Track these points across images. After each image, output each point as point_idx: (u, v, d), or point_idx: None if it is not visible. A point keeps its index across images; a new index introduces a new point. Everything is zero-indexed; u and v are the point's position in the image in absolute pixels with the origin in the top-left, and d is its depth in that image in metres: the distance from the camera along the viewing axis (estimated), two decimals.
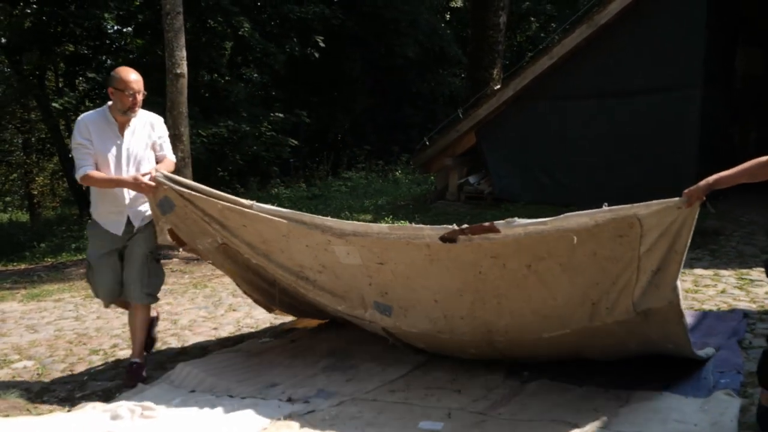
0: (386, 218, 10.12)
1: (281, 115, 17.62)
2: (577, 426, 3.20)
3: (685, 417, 3.24)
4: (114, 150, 4.16)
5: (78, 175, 4.11)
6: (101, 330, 5.71)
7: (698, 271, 6.52)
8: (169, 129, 9.86)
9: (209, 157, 15.67)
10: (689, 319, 4.18)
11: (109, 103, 4.18)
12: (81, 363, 4.82)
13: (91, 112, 4.28)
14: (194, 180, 10.17)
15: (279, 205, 12.53)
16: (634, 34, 9.34)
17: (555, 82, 10.00)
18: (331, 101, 21.13)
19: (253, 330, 5.46)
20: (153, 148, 4.34)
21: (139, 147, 4.25)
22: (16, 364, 4.86)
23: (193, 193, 4.14)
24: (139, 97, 4.11)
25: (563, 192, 9.92)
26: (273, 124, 17.39)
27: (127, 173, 4.16)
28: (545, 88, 10.09)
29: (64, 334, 5.61)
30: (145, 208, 4.28)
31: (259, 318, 5.82)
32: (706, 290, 5.84)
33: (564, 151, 9.95)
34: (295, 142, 17.99)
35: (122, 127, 4.19)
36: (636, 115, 9.34)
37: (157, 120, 4.38)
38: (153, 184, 4.07)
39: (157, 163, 4.33)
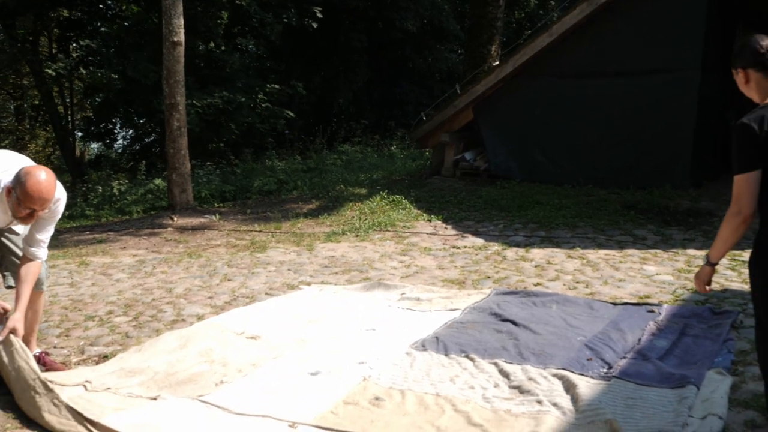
0: (381, 192, 10.14)
1: (277, 86, 17.52)
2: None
3: None
4: None
5: None
6: (96, 296, 5.74)
7: (691, 251, 6.60)
8: (165, 98, 10.00)
9: (204, 128, 15.61)
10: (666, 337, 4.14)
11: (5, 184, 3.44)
12: (77, 328, 4.85)
13: None
14: (189, 150, 10.24)
15: (272, 178, 12.52)
16: (634, 14, 9.31)
17: (553, 60, 9.99)
18: (328, 74, 21.00)
19: (248, 300, 5.49)
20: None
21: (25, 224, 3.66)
22: None
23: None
24: (38, 215, 3.44)
25: (558, 171, 9.97)
26: (268, 96, 17.30)
27: None
28: (543, 66, 10.08)
29: (59, 300, 5.63)
30: None
31: (254, 288, 5.87)
32: None
33: (560, 129, 9.97)
34: (291, 114, 17.92)
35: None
36: (633, 95, 9.34)
37: (59, 197, 3.59)
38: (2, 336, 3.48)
39: (27, 242, 3.68)
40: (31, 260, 3.64)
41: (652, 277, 5.79)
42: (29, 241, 3.66)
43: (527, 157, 10.32)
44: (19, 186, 3.31)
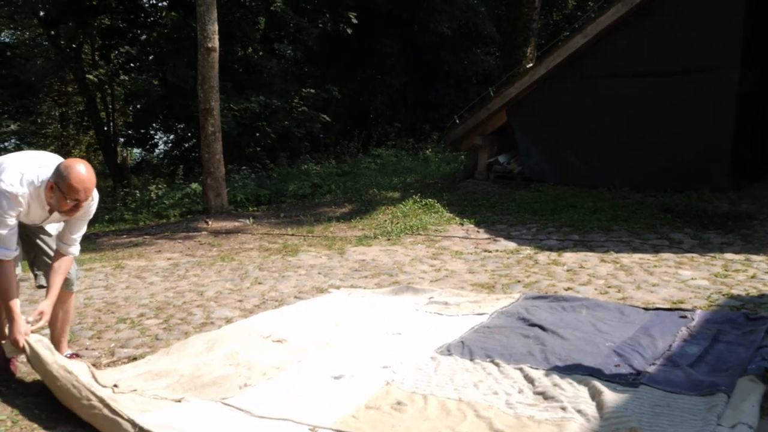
0: (414, 196, 10.13)
1: (313, 90, 17.65)
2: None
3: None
4: (32, 220, 3.68)
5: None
6: (129, 299, 5.84)
7: (729, 255, 6.44)
8: (200, 103, 10.14)
9: (240, 131, 15.79)
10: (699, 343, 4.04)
11: (45, 180, 3.51)
12: (108, 330, 4.94)
13: (26, 183, 3.49)
14: (224, 155, 10.36)
15: (307, 182, 12.61)
16: (670, 13, 9.14)
17: (588, 62, 9.86)
18: (363, 78, 21.08)
19: (277, 303, 5.52)
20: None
21: (59, 219, 3.76)
22: (47, 329, 4.98)
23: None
24: (83, 205, 3.54)
25: (592, 173, 9.84)
26: (304, 100, 17.43)
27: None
28: (578, 68, 9.96)
29: (94, 303, 5.74)
30: None
31: (284, 291, 5.90)
32: (736, 275, 5.77)
33: (595, 131, 9.84)
34: (327, 118, 18.03)
35: (52, 210, 3.63)
36: (670, 96, 9.17)
37: (92, 197, 3.66)
38: (21, 347, 3.53)
39: (60, 238, 3.78)
40: (64, 255, 3.75)
41: (686, 282, 5.67)
42: (63, 238, 3.76)
43: (561, 159, 10.20)
44: (61, 180, 3.39)
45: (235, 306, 5.49)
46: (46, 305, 3.63)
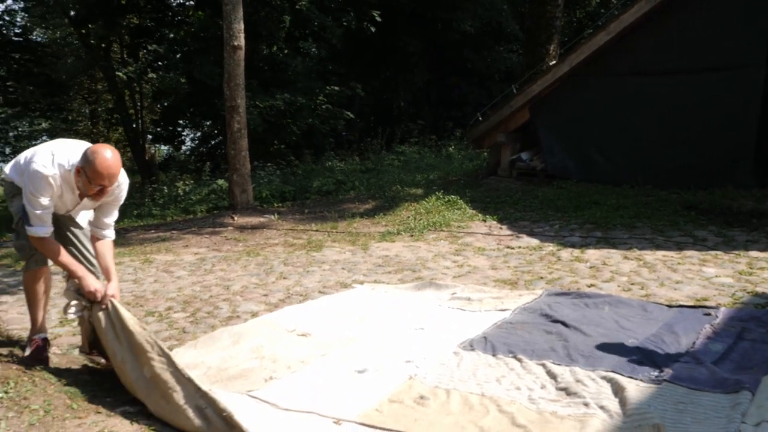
0: (437, 193, 10.16)
1: (337, 88, 17.72)
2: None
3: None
4: (66, 206, 3.76)
5: (34, 233, 3.56)
6: (157, 293, 5.95)
7: (753, 253, 6.40)
8: (226, 100, 10.26)
9: (266, 128, 15.91)
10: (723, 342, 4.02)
11: (75, 164, 3.56)
12: None
13: (57, 166, 3.54)
14: (249, 151, 10.46)
15: (331, 178, 12.68)
16: (694, 10, 9.08)
17: (612, 59, 9.82)
18: (387, 76, 21.11)
19: (301, 298, 5.59)
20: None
21: (92, 205, 3.82)
22: (76, 322, 5.10)
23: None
24: (108, 190, 3.58)
25: (616, 171, 9.80)
26: (329, 97, 17.51)
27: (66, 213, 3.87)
28: (601, 65, 9.92)
29: (123, 296, 5.84)
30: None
31: (308, 286, 5.97)
32: (761, 273, 5.73)
33: (618, 129, 9.79)
34: (351, 115, 18.09)
35: (82, 194, 3.68)
36: (694, 93, 9.11)
37: (122, 181, 3.72)
38: (105, 303, 3.61)
39: (94, 224, 3.85)
40: (101, 239, 3.81)
41: (710, 279, 5.64)
42: (97, 223, 3.83)
43: (584, 156, 10.17)
44: (87, 165, 3.45)
45: (260, 300, 5.58)
46: (114, 288, 3.67)
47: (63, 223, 3.84)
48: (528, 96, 10.53)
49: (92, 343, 3.89)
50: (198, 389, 3.20)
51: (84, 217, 3.96)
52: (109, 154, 3.49)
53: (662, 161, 9.37)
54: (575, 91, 10.22)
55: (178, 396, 3.21)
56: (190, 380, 3.25)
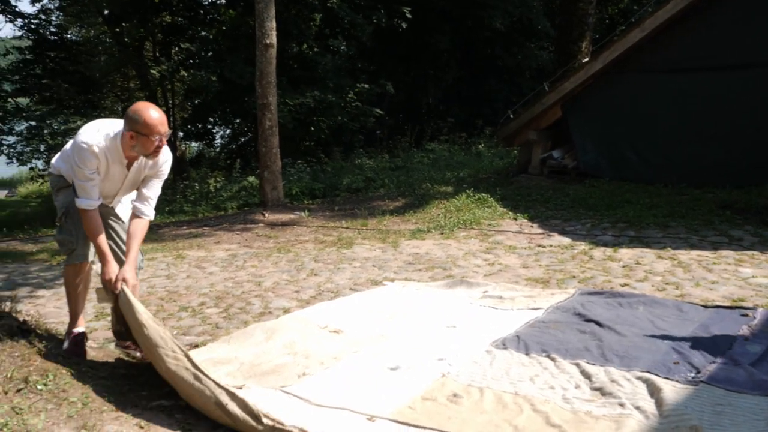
0: (467, 190, 10.12)
1: (367, 86, 17.75)
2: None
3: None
4: (113, 182, 3.77)
5: (81, 204, 3.60)
6: (190, 288, 6.01)
7: None
8: (257, 98, 10.32)
9: (296, 126, 15.99)
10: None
11: (121, 131, 3.60)
12: (171, 318, 5.10)
13: (102, 135, 3.59)
14: (281, 148, 10.52)
15: (360, 176, 12.71)
16: (730, 7, 8.93)
17: (646, 56, 9.70)
18: (417, 73, 21.08)
19: (333, 294, 5.61)
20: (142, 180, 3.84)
21: (136, 181, 3.83)
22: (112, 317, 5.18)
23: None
24: (165, 140, 3.61)
25: (649, 169, 9.69)
26: (358, 95, 17.54)
27: (114, 198, 3.92)
28: (635, 62, 9.81)
29: (156, 291, 5.93)
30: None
31: (339, 283, 5.99)
32: None
33: (652, 126, 9.67)
34: (380, 113, 18.11)
35: (130, 163, 3.72)
36: (729, 90, 8.98)
37: (165, 157, 3.80)
38: (117, 288, 3.60)
39: (135, 199, 3.85)
40: (139, 217, 3.80)
41: (747, 280, 5.55)
42: (138, 198, 3.84)
43: (617, 154, 10.06)
44: (137, 123, 3.48)
45: (292, 297, 5.61)
46: (127, 270, 3.65)
47: (103, 215, 3.88)
48: (560, 93, 10.45)
49: (121, 332, 3.89)
50: (218, 385, 3.18)
51: (125, 209, 3.99)
52: (149, 106, 3.55)
53: (697, 159, 9.24)
54: (608, 89, 10.12)
55: (198, 393, 3.19)
56: (207, 377, 3.22)
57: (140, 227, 3.80)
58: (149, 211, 3.83)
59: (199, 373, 3.22)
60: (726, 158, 9.02)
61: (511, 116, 11.38)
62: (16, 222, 13.84)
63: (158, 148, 3.58)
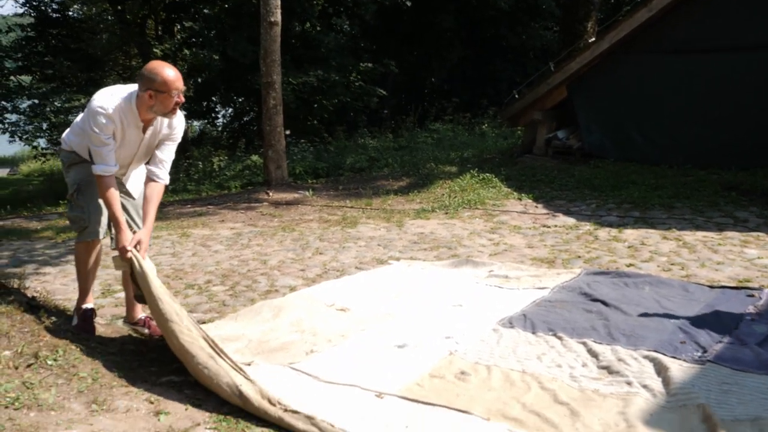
0: (472, 170, 10.10)
1: (370, 65, 17.65)
2: None
3: None
4: (129, 148, 3.73)
5: (97, 170, 3.56)
6: (196, 266, 6.02)
7: None
8: (262, 76, 10.26)
9: (299, 105, 15.94)
10: None
11: (135, 93, 3.57)
12: (177, 296, 5.11)
13: (118, 99, 3.56)
14: (284, 127, 10.48)
15: (364, 155, 12.67)
16: None
17: (653, 36, 9.62)
18: (420, 53, 20.95)
19: (338, 273, 5.62)
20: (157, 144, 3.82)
21: (152, 146, 3.80)
22: (119, 293, 5.20)
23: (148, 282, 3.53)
24: (182, 96, 3.61)
25: (654, 150, 9.66)
26: (362, 74, 17.45)
27: (128, 168, 3.88)
28: (642, 42, 9.73)
29: (162, 269, 5.94)
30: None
31: (345, 262, 6.00)
32: None
33: (658, 107, 9.63)
34: (384, 93, 18.03)
35: (146, 126, 3.69)
36: (736, 71, 8.92)
37: (179, 120, 3.80)
38: (126, 255, 3.57)
39: (150, 162, 3.82)
40: (154, 181, 3.79)
41: (753, 261, 5.55)
42: (153, 162, 3.81)
43: (623, 135, 10.03)
44: (155, 82, 3.47)
45: (297, 275, 5.62)
46: (143, 234, 3.66)
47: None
48: (566, 73, 10.39)
49: (140, 296, 3.87)
50: (232, 366, 3.18)
51: (136, 185, 3.99)
52: (165, 64, 3.55)
53: (702, 141, 9.20)
54: (614, 69, 10.06)
55: (211, 373, 3.18)
56: (222, 357, 3.23)
57: (156, 191, 3.78)
58: (164, 175, 3.82)
59: (214, 353, 3.22)
60: (732, 139, 8.99)
61: (516, 96, 11.32)
62: (18, 200, 13.85)
63: (177, 104, 3.57)
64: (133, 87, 3.61)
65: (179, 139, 3.87)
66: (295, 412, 2.90)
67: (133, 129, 3.64)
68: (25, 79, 19.70)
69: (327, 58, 17.34)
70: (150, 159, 3.84)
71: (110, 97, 3.55)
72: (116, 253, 3.69)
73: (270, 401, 2.99)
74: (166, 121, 3.73)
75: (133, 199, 3.98)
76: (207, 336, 3.32)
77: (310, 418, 2.85)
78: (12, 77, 18.87)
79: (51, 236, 7.86)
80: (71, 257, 6.46)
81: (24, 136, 18.13)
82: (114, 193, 3.60)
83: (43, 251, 6.99)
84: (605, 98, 10.19)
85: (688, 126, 9.35)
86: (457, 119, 16.86)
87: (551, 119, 11.05)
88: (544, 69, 11.03)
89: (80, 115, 3.81)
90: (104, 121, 3.51)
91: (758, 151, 8.74)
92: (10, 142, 18.99)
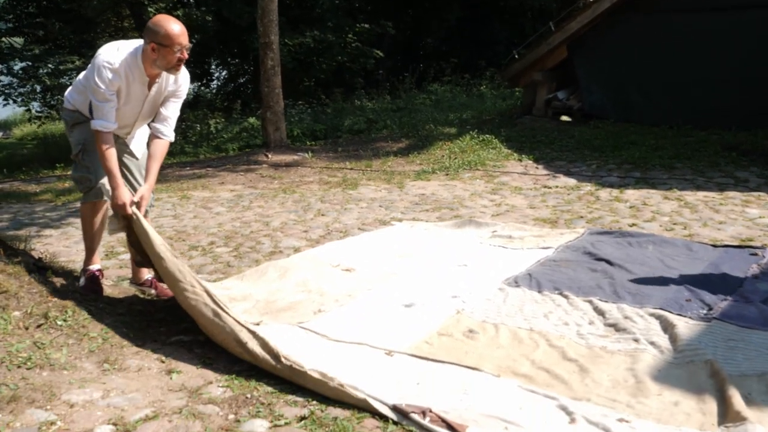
0: (471, 132, 10.06)
1: (367, 25, 17.43)
2: None
3: None
4: (133, 105, 3.70)
5: (96, 126, 3.52)
6: (198, 228, 6.02)
7: None
8: (259, 36, 10.13)
9: (295, 66, 15.77)
10: None
11: (141, 48, 3.53)
12: (182, 257, 5.09)
13: (124, 54, 3.52)
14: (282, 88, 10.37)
15: (362, 117, 12.59)
16: None
17: None
18: (417, 13, 20.66)
19: (341, 234, 5.63)
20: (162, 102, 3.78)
21: (156, 104, 3.77)
22: (123, 255, 5.20)
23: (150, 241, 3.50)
24: (186, 52, 3.53)
25: (655, 110, 9.63)
26: (358, 35, 17.25)
27: (133, 127, 3.86)
28: (644, 1, 9.62)
29: (164, 231, 5.93)
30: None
31: (347, 223, 6.00)
32: None
33: (659, 68, 9.56)
34: (380, 54, 17.84)
35: (152, 82, 3.65)
36: (737, 31, 8.85)
37: (184, 76, 3.77)
38: (129, 213, 3.55)
39: (155, 119, 3.80)
40: (159, 138, 3.77)
41: (754, 220, 5.57)
42: (157, 119, 3.79)
43: (623, 96, 9.98)
44: (159, 35, 3.42)
45: (301, 236, 5.62)
46: (145, 189, 3.66)
47: (117, 152, 3.84)
48: (566, 33, 10.28)
49: (141, 261, 3.86)
50: (237, 322, 3.19)
51: (140, 143, 3.96)
52: (170, 18, 3.50)
53: (702, 101, 9.17)
54: (615, 29, 9.96)
55: (218, 329, 3.20)
56: (227, 313, 3.23)
57: (160, 148, 3.76)
58: (169, 132, 3.79)
59: (218, 310, 3.23)
60: (732, 100, 8.95)
61: (516, 57, 11.22)
62: (13, 164, 13.75)
63: (180, 60, 3.51)
64: (139, 42, 3.56)
65: (184, 96, 3.85)
66: (302, 368, 2.91)
67: (138, 85, 3.60)
68: (18, 40, 19.38)
69: (323, 18, 17.09)
70: (155, 117, 3.80)
71: (116, 52, 3.50)
72: (111, 214, 3.68)
73: (277, 357, 3.01)
74: (171, 78, 3.69)
75: (137, 159, 3.96)
76: (211, 292, 3.33)
77: (321, 374, 2.87)
78: (4, 39, 18.54)
79: (51, 199, 7.83)
80: (72, 220, 6.48)
81: (18, 99, 17.88)
82: (111, 151, 3.56)
83: (44, 214, 6.96)
84: (606, 58, 10.11)
85: (689, 86, 9.30)
86: (456, 80, 16.73)
87: (551, 80, 10.98)
88: (543, 29, 10.92)
89: (83, 73, 3.76)
90: (110, 75, 3.46)
91: (759, 111, 8.72)
92: (4, 105, 18.76)
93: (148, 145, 3.84)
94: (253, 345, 3.09)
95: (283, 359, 2.98)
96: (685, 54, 9.35)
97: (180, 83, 3.75)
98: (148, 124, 3.93)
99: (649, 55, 9.67)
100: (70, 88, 3.85)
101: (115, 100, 3.53)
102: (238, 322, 3.19)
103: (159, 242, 3.50)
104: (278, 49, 10.28)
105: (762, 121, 8.63)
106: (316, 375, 2.85)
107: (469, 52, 19.99)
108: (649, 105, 9.71)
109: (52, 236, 5.94)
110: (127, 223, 3.62)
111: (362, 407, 2.68)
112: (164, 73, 3.64)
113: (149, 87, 3.66)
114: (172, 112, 3.79)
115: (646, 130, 9.33)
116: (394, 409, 2.62)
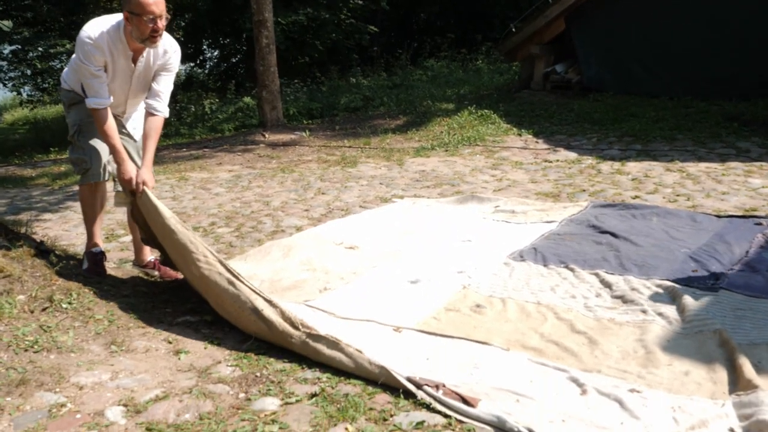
0: (469, 107, 10.00)
1: (360, 1, 17.27)
2: None
3: None
4: (121, 81, 3.61)
5: (91, 104, 3.48)
6: (198, 209, 5.98)
7: None
8: (253, 14, 10.02)
9: (289, 45, 15.63)
10: None
11: (122, 23, 3.45)
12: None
13: (106, 28, 3.44)
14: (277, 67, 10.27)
15: (358, 95, 12.49)
16: None
17: None
18: None
19: (343, 212, 5.60)
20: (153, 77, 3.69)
21: (147, 79, 3.67)
22: (123, 238, 5.18)
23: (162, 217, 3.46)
24: (161, 23, 3.39)
25: (654, 82, 9.55)
26: (352, 11, 17.09)
27: (126, 105, 3.79)
28: None
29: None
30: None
31: (348, 201, 5.97)
32: None
33: (658, 39, 9.48)
34: (375, 29, 17.69)
35: (136, 56, 3.56)
36: (739, 1, 8.74)
37: (173, 49, 3.66)
38: (139, 189, 3.52)
39: (147, 96, 3.71)
40: (153, 115, 3.69)
41: (757, 190, 5.55)
42: (150, 95, 3.70)
43: (622, 68, 9.90)
44: (131, 3, 3.33)
45: (302, 215, 5.59)
46: (145, 173, 3.57)
47: None
48: (564, 5, 10.17)
49: (147, 239, 3.83)
50: (252, 290, 3.17)
51: (137, 125, 3.90)
52: None
53: (703, 72, 9.10)
54: (614, 0, 9.85)
55: (232, 299, 3.17)
56: (242, 282, 3.20)
57: (155, 125, 3.68)
58: (162, 107, 3.71)
59: (233, 278, 3.21)
60: (732, 70, 8.88)
61: (513, 30, 11.12)
62: (6, 149, 13.65)
63: (154, 31, 3.39)
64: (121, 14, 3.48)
65: (176, 69, 3.77)
66: (319, 336, 2.90)
67: (122, 59, 3.53)
68: (7, 24, 19.15)
69: None
70: (149, 91, 3.72)
71: (97, 27, 3.43)
72: (120, 188, 3.62)
73: (293, 324, 2.99)
74: (159, 51, 3.60)
75: (135, 141, 3.90)
76: (224, 262, 3.31)
77: (335, 343, 2.85)
78: None
79: (47, 183, 7.78)
80: (70, 203, 6.44)
81: (9, 84, 17.73)
82: (111, 126, 3.52)
83: (41, 198, 6.92)
84: (604, 30, 10.02)
85: (689, 57, 9.23)
86: (452, 56, 16.61)
87: (549, 53, 10.89)
88: (540, 2, 10.80)
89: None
90: (93, 50, 3.40)
91: (759, 81, 8.67)
92: None
93: (143, 123, 3.77)
94: (270, 312, 3.07)
95: (300, 326, 2.97)
96: (684, 24, 9.26)
97: (169, 55, 3.65)
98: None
99: (648, 25, 9.59)
100: (65, 68, 3.79)
101: (103, 75, 3.47)
102: (254, 291, 3.18)
103: (169, 215, 3.47)
104: (272, 27, 10.18)
105: (763, 91, 8.58)
106: (333, 339, 2.85)
107: (463, 27, 19.84)
108: (649, 76, 9.64)
109: (51, 220, 5.91)
110: (133, 198, 3.58)
111: (374, 379, 2.67)
112: (152, 49, 3.55)
113: (134, 61, 3.57)
114: (164, 86, 3.70)
115: (646, 102, 9.27)
116: (409, 380, 2.61)
